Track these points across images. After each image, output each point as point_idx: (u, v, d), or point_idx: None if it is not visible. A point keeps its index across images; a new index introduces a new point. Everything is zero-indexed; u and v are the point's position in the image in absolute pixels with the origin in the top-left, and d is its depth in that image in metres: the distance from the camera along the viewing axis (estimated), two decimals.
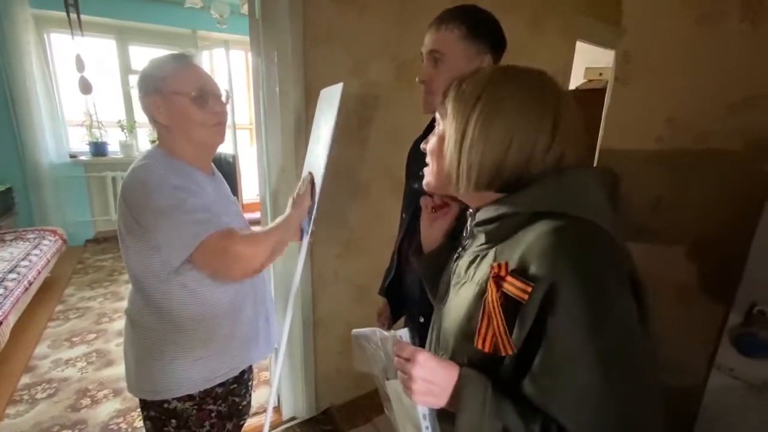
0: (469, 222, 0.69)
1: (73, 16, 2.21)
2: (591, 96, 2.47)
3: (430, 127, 1.02)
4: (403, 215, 1.14)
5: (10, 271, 2.60)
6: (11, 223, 3.58)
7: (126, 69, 4.28)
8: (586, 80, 3.01)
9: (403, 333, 0.64)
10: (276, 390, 1.94)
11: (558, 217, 0.52)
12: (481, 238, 0.62)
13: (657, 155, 1.05)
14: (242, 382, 1.13)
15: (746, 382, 0.86)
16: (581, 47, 2.48)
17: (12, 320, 2.32)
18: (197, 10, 3.64)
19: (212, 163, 1.11)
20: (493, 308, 0.51)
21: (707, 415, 0.92)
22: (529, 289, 0.48)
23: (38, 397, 2.04)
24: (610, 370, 0.46)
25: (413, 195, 1.12)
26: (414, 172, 1.11)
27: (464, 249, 0.69)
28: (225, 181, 1.16)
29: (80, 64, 3.44)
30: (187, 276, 0.92)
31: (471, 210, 0.67)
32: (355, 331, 0.72)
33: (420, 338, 1.08)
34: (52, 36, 3.94)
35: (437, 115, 0.64)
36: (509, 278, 0.50)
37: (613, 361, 0.47)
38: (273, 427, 1.87)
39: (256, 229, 1.10)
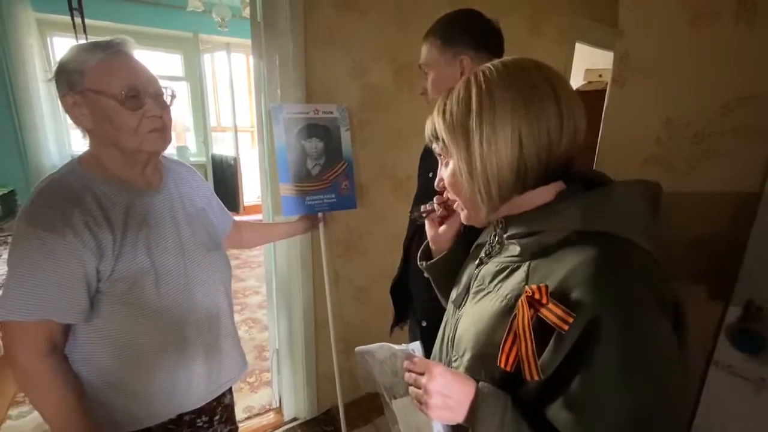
0: (495, 228, 0.65)
1: (77, 20, 2.23)
2: (591, 97, 2.48)
3: None
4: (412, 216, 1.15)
5: None
6: (14, 226, 3.59)
7: None
8: (585, 82, 3.02)
9: (416, 347, 0.61)
10: (277, 391, 1.95)
11: (603, 238, 0.49)
12: (514, 250, 0.58)
13: (655, 156, 1.06)
14: (182, 423, 0.97)
15: (744, 378, 0.86)
16: (581, 49, 2.50)
17: None
18: (199, 13, 3.65)
19: (166, 171, 0.94)
20: (524, 331, 0.48)
21: (706, 412, 0.93)
22: (571, 320, 0.45)
23: None
24: (645, 412, 0.45)
25: (421, 196, 1.13)
26: (424, 174, 1.11)
27: (489, 256, 0.65)
28: (192, 191, 0.99)
29: None
30: (94, 322, 0.81)
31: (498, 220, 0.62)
32: (358, 348, 0.68)
33: (422, 339, 1.08)
34: (55, 40, 3.97)
35: (436, 148, 0.61)
36: (550, 305, 0.47)
37: (651, 403, 0.45)
38: (275, 427, 1.88)
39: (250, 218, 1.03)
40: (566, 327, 0.45)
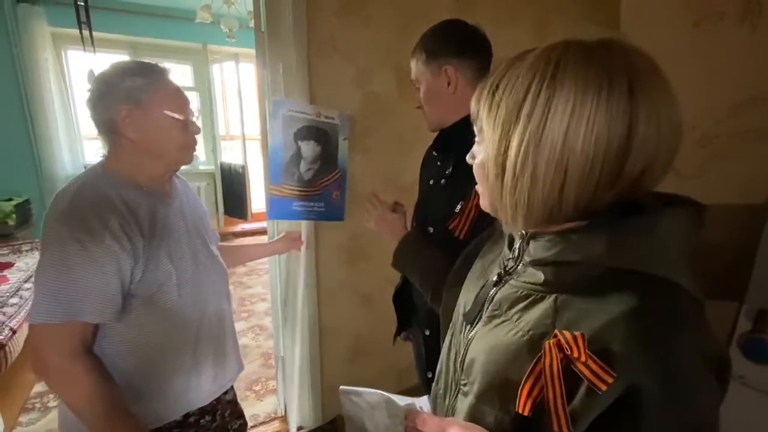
0: (516, 239, 0.56)
1: (86, 33, 2.30)
2: None
3: (441, 136, 1.03)
4: (414, 224, 1.14)
5: (26, 281, 2.65)
6: (28, 234, 3.66)
7: None
8: None
9: (423, 402, 0.56)
10: (282, 399, 1.94)
11: (648, 279, 0.42)
12: (537, 276, 0.49)
13: None
14: (187, 425, 0.99)
15: (757, 390, 0.83)
16: None
17: (27, 329, 2.36)
18: (207, 24, 3.72)
19: (174, 186, 0.99)
20: (553, 378, 0.42)
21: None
22: (610, 380, 0.39)
23: (50, 405, 2.08)
24: None
25: (422, 204, 1.12)
26: (425, 181, 1.11)
27: (508, 272, 0.56)
28: (194, 206, 1.04)
29: (92, 78, 3.55)
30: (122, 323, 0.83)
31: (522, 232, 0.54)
32: (343, 387, 0.61)
33: (425, 347, 1.07)
34: (69, 53, 4.08)
35: (475, 127, 0.52)
36: (589, 361, 0.40)
37: None
38: None
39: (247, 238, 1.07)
40: (604, 387, 0.39)
